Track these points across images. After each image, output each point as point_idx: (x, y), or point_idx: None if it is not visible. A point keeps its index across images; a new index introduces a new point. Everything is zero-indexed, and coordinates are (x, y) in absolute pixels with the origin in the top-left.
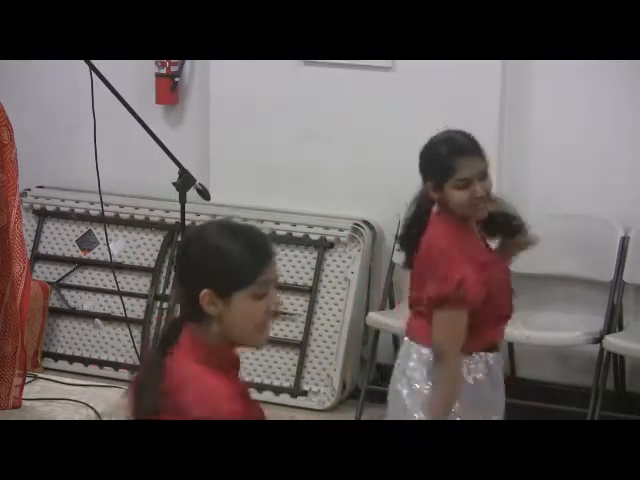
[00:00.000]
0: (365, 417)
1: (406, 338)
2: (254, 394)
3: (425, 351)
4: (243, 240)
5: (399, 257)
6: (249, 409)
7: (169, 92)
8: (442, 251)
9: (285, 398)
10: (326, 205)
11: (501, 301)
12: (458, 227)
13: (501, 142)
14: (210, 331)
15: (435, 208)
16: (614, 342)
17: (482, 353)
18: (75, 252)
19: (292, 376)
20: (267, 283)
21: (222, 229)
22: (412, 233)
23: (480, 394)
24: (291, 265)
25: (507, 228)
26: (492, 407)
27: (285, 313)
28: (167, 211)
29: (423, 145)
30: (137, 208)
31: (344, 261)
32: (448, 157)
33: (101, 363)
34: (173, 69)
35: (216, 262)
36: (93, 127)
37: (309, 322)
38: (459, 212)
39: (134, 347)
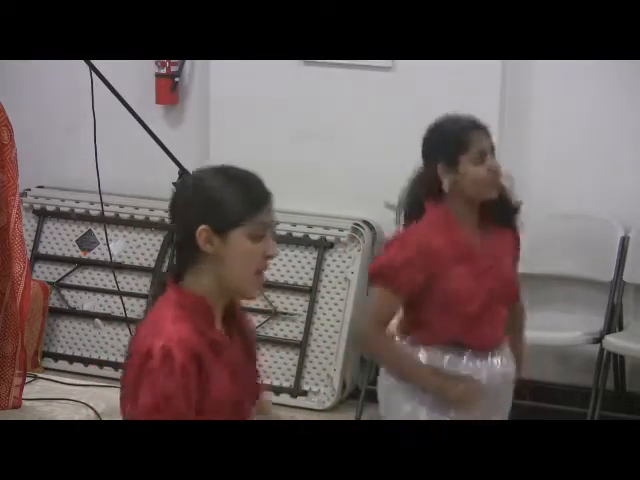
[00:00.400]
0: (365, 417)
1: None
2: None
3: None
4: (240, 180)
5: None
6: (219, 366)
7: (169, 92)
8: (399, 235)
9: (285, 398)
10: (326, 205)
11: (474, 302)
12: (447, 219)
13: (501, 142)
14: (195, 278)
15: (429, 200)
16: (614, 342)
17: (443, 347)
18: (75, 252)
19: (292, 376)
20: (264, 225)
21: (219, 170)
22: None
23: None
24: (291, 265)
25: (504, 215)
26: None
27: (285, 313)
28: (167, 211)
29: (427, 130)
30: (137, 208)
31: (344, 261)
32: (462, 132)
33: (101, 363)
34: (173, 69)
35: (213, 199)
36: (93, 127)
37: (309, 322)
38: (473, 191)
39: None
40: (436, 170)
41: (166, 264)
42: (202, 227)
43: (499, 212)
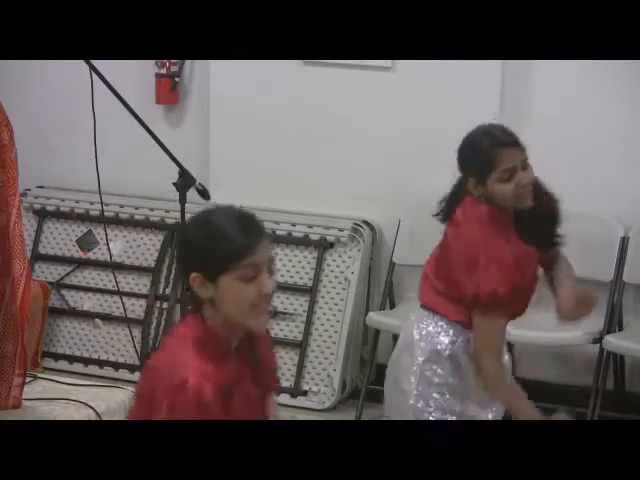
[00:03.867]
0: (365, 417)
1: (422, 305)
2: None
3: (443, 322)
4: (229, 223)
5: (399, 257)
6: (230, 402)
7: (169, 92)
8: (481, 249)
9: (285, 398)
10: (326, 205)
11: (519, 298)
12: (494, 216)
13: None
14: (205, 315)
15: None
16: (614, 342)
17: None
18: (75, 252)
19: (292, 376)
20: (255, 266)
21: (211, 213)
22: (448, 207)
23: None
24: (291, 265)
25: (542, 234)
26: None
27: (285, 313)
28: (167, 211)
29: (461, 142)
30: (137, 208)
31: (344, 261)
32: (490, 150)
33: (101, 363)
34: (173, 69)
35: (201, 246)
36: (93, 127)
37: (309, 322)
38: (503, 205)
39: (134, 347)
40: (467, 184)
41: (166, 264)
42: (193, 275)
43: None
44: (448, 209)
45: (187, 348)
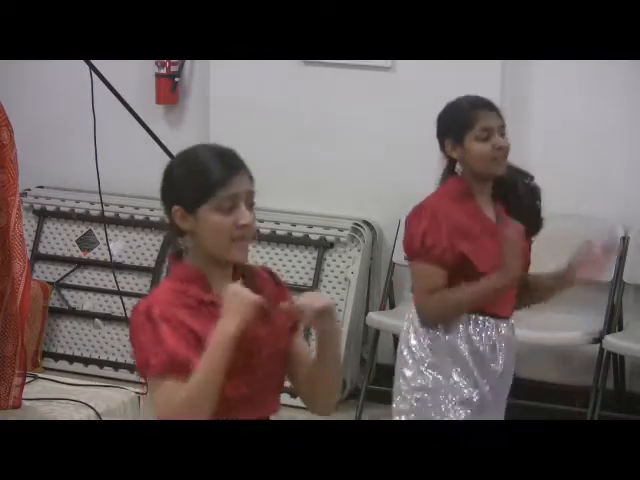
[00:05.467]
0: (365, 417)
1: None
2: None
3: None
4: (209, 157)
5: (399, 257)
6: (203, 326)
7: (169, 92)
8: (423, 208)
9: (285, 398)
10: (326, 205)
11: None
12: (461, 192)
13: None
14: (188, 249)
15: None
16: (614, 342)
17: (473, 316)
18: (75, 252)
19: None
20: (231, 197)
21: (192, 149)
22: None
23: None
24: (291, 265)
25: (523, 207)
26: (485, 374)
27: None
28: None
29: (441, 110)
30: (137, 208)
31: (344, 261)
32: (470, 109)
33: (101, 363)
34: (173, 69)
35: (181, 179)
36: (93, 127)
37: None
38: (478, 168)
39: None
40: (445, 147)
41: (166, 264)
42: (175, 207)
43: (519, 214)
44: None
45: (161, 286)
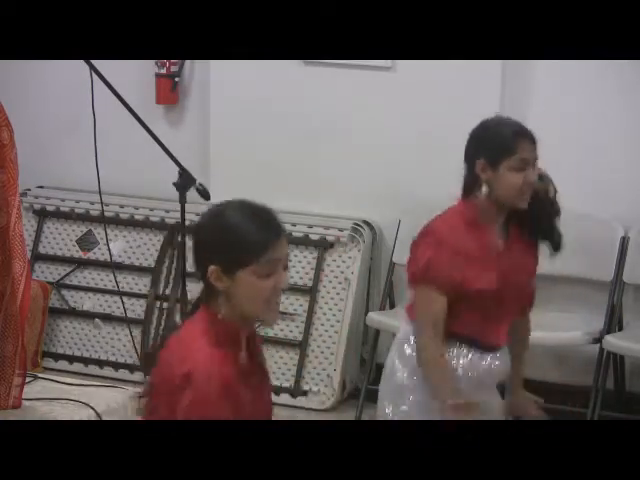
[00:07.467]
0: (365, 417)
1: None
2: None
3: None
4: (249, 218)
5: (399, 257)
6: (245, 392)
7: (169, 92)
8: (431, 233)
9: (285, 398)
10: (326, 205)
11: (492, 302)
12: (474, 218)
13: None
14: (220, 307)
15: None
16: (614, 342)
17: (460, 345)
18: (75, 252)
19: (292, 376)
20: (272, 262)
21: (230, 207)
22: None
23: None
24: (291, 265)
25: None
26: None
27: (285, 313)
28: (167, 211)
29: (475, 127)
30: (137, 208)
31: (344, 261)
32: (513, 137)
33: (101, 363)
34: (173, 69)
35: (221, 240)
36: (93, 127)
37: (309, 322)
38: (504, 197)
39: (134, 347)
40: (474, 166)
41: (166, 264)
42: (212, 268)
43: (535, 230)
44: None
45: (197, 338)
